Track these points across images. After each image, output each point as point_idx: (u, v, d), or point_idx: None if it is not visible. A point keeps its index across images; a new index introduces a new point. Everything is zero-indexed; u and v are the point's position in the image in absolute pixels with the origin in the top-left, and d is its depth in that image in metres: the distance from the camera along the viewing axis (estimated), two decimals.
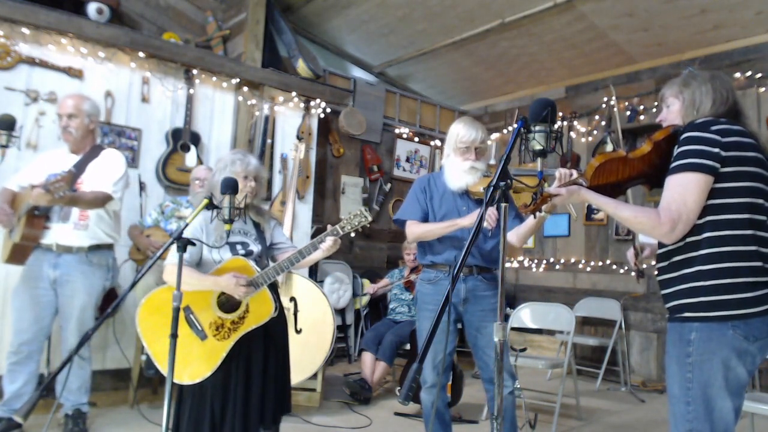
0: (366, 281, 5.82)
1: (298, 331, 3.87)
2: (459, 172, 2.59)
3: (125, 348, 3.90)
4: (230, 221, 2.13)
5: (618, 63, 5.65)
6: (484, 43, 5.66)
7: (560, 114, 5.79)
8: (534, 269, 6.24)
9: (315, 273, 5.33)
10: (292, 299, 3.96)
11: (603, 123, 5.71)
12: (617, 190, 1.79)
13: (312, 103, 5.21)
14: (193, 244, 2.12)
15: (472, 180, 2.58)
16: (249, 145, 4.79)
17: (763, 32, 4.78)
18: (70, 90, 3.97)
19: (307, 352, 3.79)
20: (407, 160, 6.68)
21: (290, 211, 4.65)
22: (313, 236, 4.09)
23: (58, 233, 2.96)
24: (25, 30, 3.79)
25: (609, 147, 5.53)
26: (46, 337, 3.04)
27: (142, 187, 4.23)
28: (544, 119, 1.64)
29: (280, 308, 2.47)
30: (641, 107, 5.43)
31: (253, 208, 2.54)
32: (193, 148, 4.45)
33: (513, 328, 4.35)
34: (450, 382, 3.61)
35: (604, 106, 5.69)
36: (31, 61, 3.83)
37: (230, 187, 2.15)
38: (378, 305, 5.83)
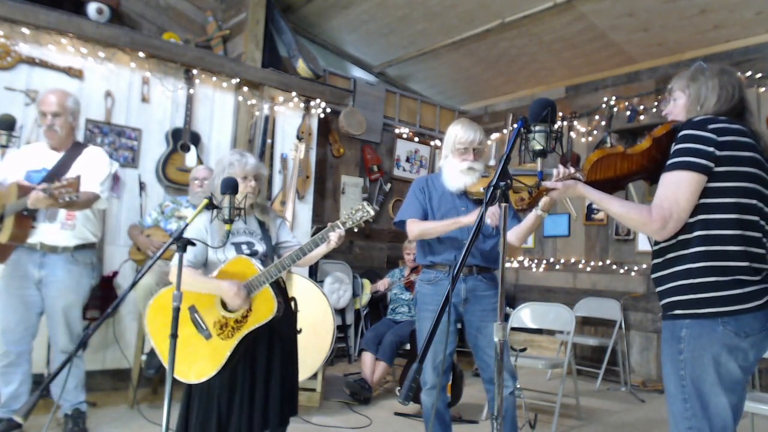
0: (366, 281, 5.82)
1: (298, 331, 3.86)
2: (457, 172, 2.59)
3: (125, 348, 3.91)
4: (230, 221, 2.13)
5: (618, 63, 5.65)
6: (484, 43, 5.67)
7: (560, 114, 5.79)
8: (534, 269, 6.24)
9: (315, 273, 5.33)
10: (292, 299, 3.93)
11: (603, 123, 5.72)
12: (616, 185, 1.80)
13: (312, 103, 5.21)
14: (193, 244, 2.12)
15: (471, 181, 2.58)
16: (249, 145, 4.79)
17: (763, 32, 4.78)
18: (71, 90, 3.96)
19: (307, 352, 3.77)
20: (407, 160, 6.68)
21: (290, 211, 4.66)
22: (312, 236, 4.09)
23: (44, 233, 2.90)
24: (25, 30, 3.79)
25: (609, 147, 5.53)
26: (33, 337, 2.98)
27: (142, 187, 4.24)
28: (544, 119, 1.64)
29: (286, 307, 2.44)
30: (641, 107, 5.43)
31: (258, 206, 2.52)
32: (193, 148, 4.45)
33: (513, 328, 4.35)
34: (450, 383, 3.61)
35: (603, 106, 5.70)
36: (31, 61, 3.83)
37: (230, 187, 2.15)
38: (378, 305, 5.83)
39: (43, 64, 3.87)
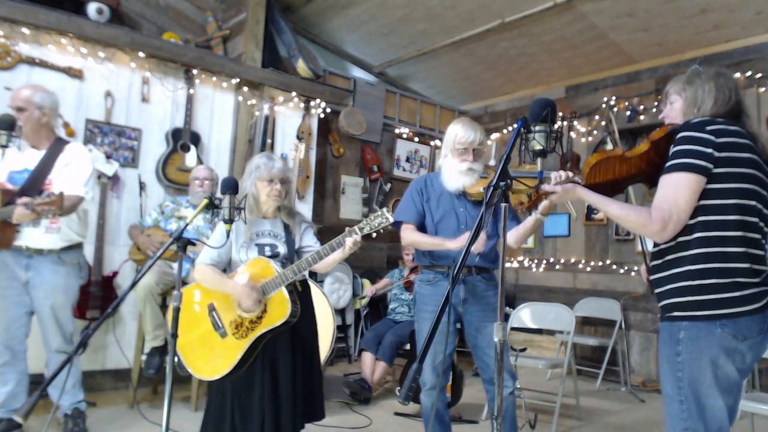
0: (366, 281, 5.82)
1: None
2: (456, 173, 2.59)
3: (125, 348, 3.91)
4: (230, 221, 2.14)
5: (618, 63, 5.65)
6: (484, 43, 5.67)
7: (560, 114, 5.79)
8: (534, 269, 6.24)
9: (315, 273, 5.31)
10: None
11: (603, 123, 5.72)
12: (615, 188, 1.80)
13: (312, 103, 5.21)
14: (194, 244, 2.13)
15: (470, 181, 2.57)
16: (249, 145, 4.79)
17: (763, 32, 4.78)
18: (71, 90, 3.99)
19: None
20: (407, 160, 6.68)
21: None
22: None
23: (29, 237, 2.87)
24: (25, 30, 3.79)
25: (609, 147, 5.53)
26: (26, 336, 2.97)
27: (142, 187, 4.24)
28: (544, 119, 1.64)
29: (304, 311, 2.42)
30: (641, 107, 5.43)
31: (285, 209, 2.54)
32: (193, 148, 4.45)
33: (513, 328, 4.35)
34: (450, 383, 3.61)
35: (603, 106, 5.70)
36: (31, 61, 3.83)
37: (230, 186, 2.16)
38: (378, 305, 5.83)
39: (43, 64, 3.87)
